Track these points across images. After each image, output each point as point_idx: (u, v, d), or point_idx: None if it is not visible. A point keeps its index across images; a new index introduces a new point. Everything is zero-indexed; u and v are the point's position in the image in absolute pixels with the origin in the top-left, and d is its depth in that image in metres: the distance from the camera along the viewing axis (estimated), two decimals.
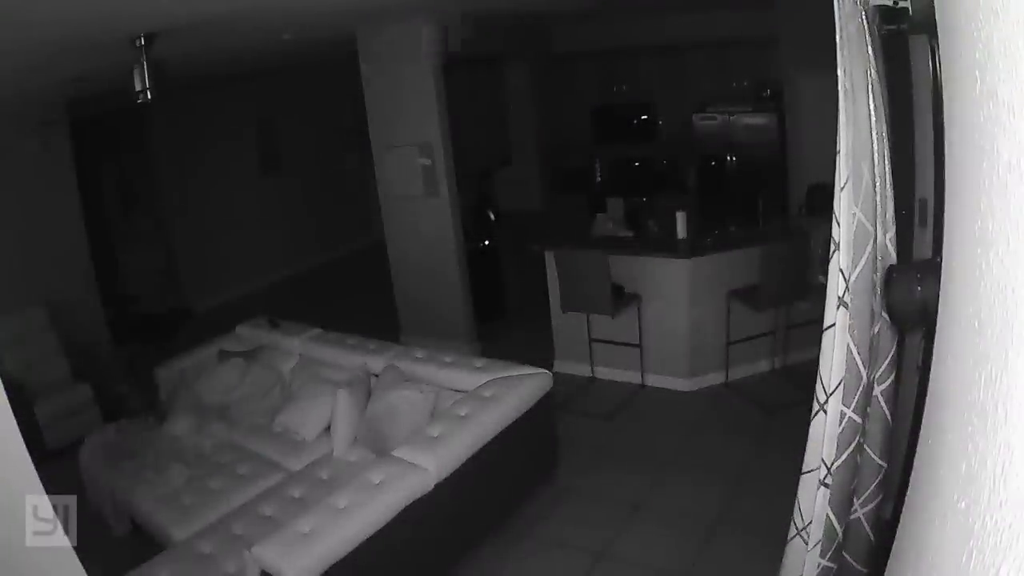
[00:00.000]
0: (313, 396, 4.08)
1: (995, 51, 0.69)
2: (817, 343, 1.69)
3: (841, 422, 1.68)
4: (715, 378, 4.97)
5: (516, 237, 6.09)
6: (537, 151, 7.81)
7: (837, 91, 1.56)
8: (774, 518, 2.25)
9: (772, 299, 4.58)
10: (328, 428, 3.93)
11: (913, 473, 1.09)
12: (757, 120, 6.94)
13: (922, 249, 2.64)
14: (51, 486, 1.21)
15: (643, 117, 7.71)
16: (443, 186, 5.60)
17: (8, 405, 1.11)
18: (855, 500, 1.89)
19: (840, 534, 1.80)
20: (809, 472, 1.77)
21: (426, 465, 3.11)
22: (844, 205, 1.59)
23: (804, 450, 1.78)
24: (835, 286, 1.63)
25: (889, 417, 1.84)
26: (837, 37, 1.54)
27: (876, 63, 1.61)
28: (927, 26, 1.85)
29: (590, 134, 7.95)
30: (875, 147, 1.62)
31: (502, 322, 6.27)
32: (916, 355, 2.44)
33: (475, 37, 6.13)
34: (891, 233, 1.71)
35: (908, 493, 1.12)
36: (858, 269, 1.61)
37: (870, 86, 1.59)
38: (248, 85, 7.90)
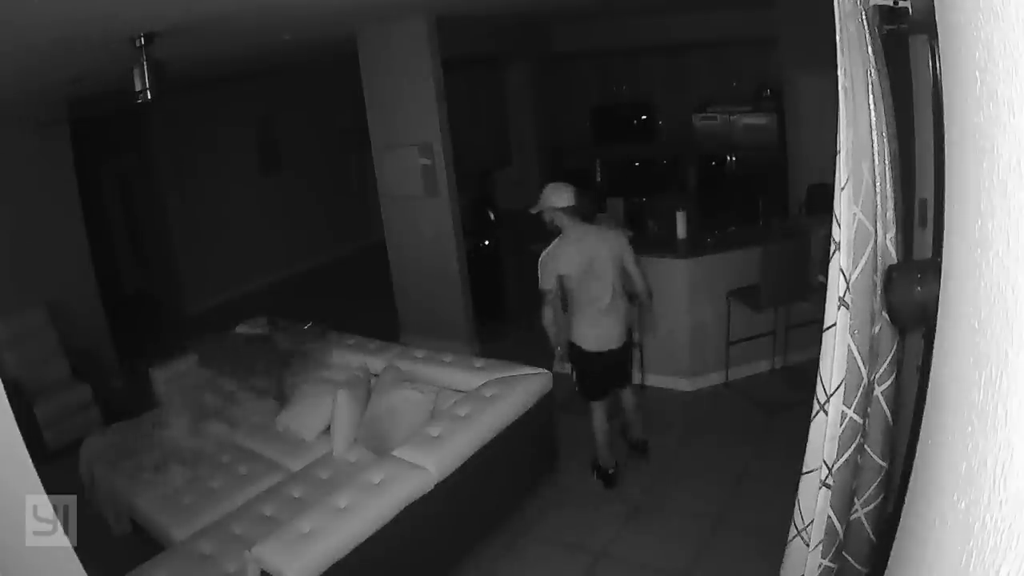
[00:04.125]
0: (313, 396, 4.08)
1: (995, 52, 0.69)
2: (817, 343, 1.69)
3: (842, 422, 1.68)
4: (715, 378, 4.97)
5: (516, 237, 6.09)
6: (537, 151, 7.82)
7: (837, 91, 1.56)
8: (774, 518, 2.25)
9: (772, 299, 4.58)
10: (328, 428, 3.93)
11: (913, 473, 1.09)
12: (757, 120, 6.94)
13: (922, 249, 2.64)
14: (51, 486, 1.21)
15: (643, 117, 7.71)
16: (443, 186, 5.60)
17: (8, 405, 1.11)
18: (856, 500, 1.89)
19: (841, 534, 1.80)
20: (810, 472, 1.77)
21: (426, 465, 3.12)
22: (844, 205, 1.59)
23: (804, 450, 1.78)
24: (835, 286, 1.63)
25: (890, 417, 1.84)
26: (837, 37, 1.54)
27: (876, 63, 1.61)
28: (927, 26, 1.85)
29: (590, 134, 7.95)
30: (875, 147, 1.62)
31: (502, 322, 6.27)
32: (916, 355, 2.44)
33: (475, 37, 6.13)
34: (891, 233, 1.71)
35: (908, 493, 1.12)
36: (858, 269, 1.61)
37: (870, 86, 1.59)
38: (248, 85, 7.90)
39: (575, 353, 3.83)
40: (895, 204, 1.71)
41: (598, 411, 3.92)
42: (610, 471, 3.97)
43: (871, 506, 1.91)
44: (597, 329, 3.74)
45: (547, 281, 3.66)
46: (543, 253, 3.69)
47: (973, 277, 0.77)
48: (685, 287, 4.81)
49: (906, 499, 1.13)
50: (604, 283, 3.67)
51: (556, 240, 3.70)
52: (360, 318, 5.88)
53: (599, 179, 8.09)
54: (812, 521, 1.79)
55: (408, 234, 5.90)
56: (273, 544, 2.71)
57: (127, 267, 8.70)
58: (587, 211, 3.90)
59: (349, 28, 5.47)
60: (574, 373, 3.90)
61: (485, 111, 6.65)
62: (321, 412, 3.98)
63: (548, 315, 3.70)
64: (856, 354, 1.65)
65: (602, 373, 3.88)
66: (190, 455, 3.99)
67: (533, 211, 3.82)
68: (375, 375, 4.06)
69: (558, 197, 3.71)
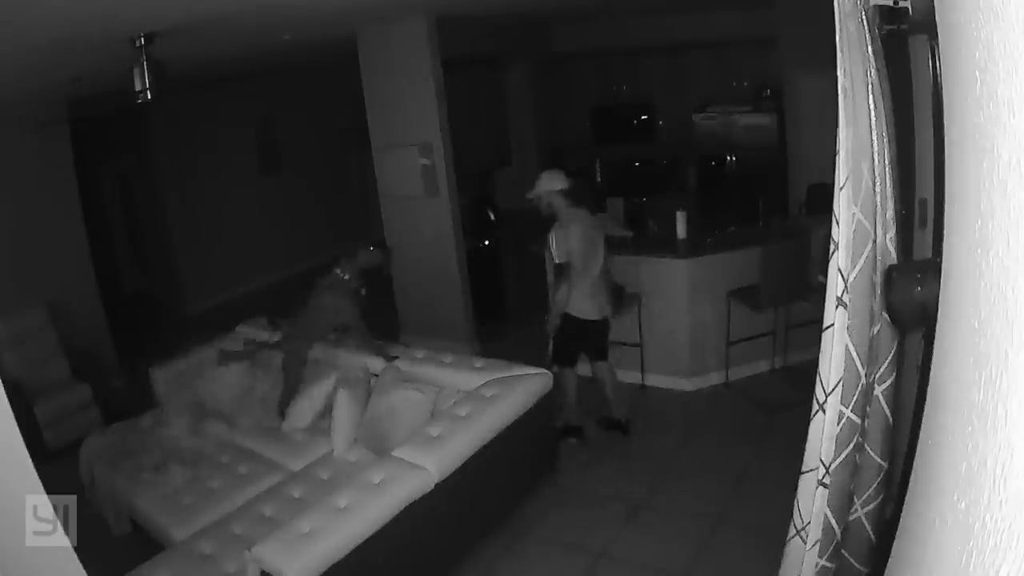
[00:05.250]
0: (310, 382, 4.14)
1: (995, 52, 0.69)
2: (817, 343, 1.69)
3: (839, 422, 1.68)
4: (715, 378, 4.97)
5: (516, 237, 6.09)
6: (537, 151, 7.81)
7: (837, 91, 1.56)
8: (774, 518, 2.25)
9: (772, 299, 4.58)
10: (322, 415, 3.97)
11: (913, 473, 1.09)
12: (757, 120, 6.94)
13: (922, 249, 2.64)
14: (51, 486, 1.21)
15: (643, 117, 7.70)
16: (443, 186, 5.60)
17: (8, 405, 1.11)
18: (856, 500, 1.89)
19: (838, 534, 1.80)
20: (808, 472, 1.77)
21: (426, 465, 3.11)
22: (844, 205, 1.59)
23: (804, 450, 1.78)
24: (834, 286, 1.63)
25: (890, 417, 1.84)
26: (837, 37, 1.54)
27: (876, 63, 1.61)
28: (927, 26, 1.85)
29: (590, 134, 7.95)
30: (875, 147, 1.62)
31: (502, 322, 6.27)
32: (916, 355, 2.44)
33: (475, 37, 6.13)
34: (891, 233, 1.71)
35: (908, 493, 1.12)
36: (857, 269, 1.61)
37: (870, 86, 1.59)
38: (248, 85, 7.90)
39: (570, 324, 4.12)
40: (895, 204, 1.71)
41: (571, 375, 4.28)
42: (582, 427, 4.36)
43: (871, 506, 1.91)
44: (593, 299, 4.11)
45: (563, 255, 3.97)
46: (552, 232, 3.99)
47: (973, 277, 0.77)
48: (685, 287, 4.81)
49: (906, 499, 1.13)
50: (599, 258, 4.09)
51: (557, 222, 4.01)
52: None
53: (599, 179, 8.09)
54: (810, 521, 1.79)
55: (408, 234, 5.90)
56: (273, 544, 2.71)
57: (127, 267, 8.69)
58: (579, 196, 4.22)
59: (349, 28, 5.47)
60: (552, 342, 4.21)
61: (485, 111, 6.65)
62: (315, 397, 4.02)
63: (566, 287, 4.01)
64: (854, 354, 1.65)
65: (585, 342, 4.25)
66: (190, 455, 3.98)
67: (530, 195, 4.12)
68: (375, 375, 4.06)
69: (554, 181, 4.07)
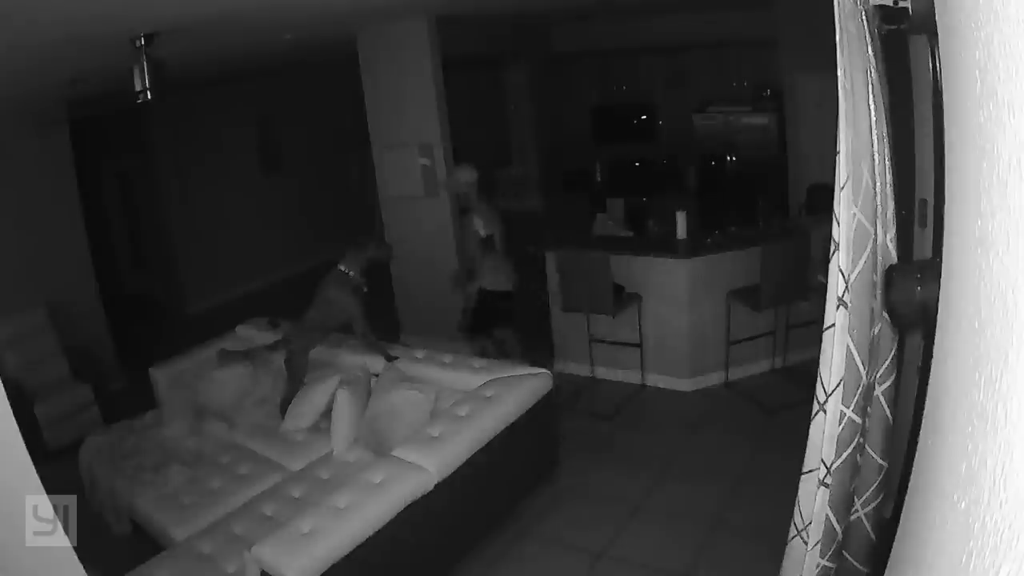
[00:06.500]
0: (312, 382, 4.13)
1: (995, 51, 0.69)
2: (817, 343, 1.69)
3: (840, 422, 1.68)
4: (715, 378, 4.97)
5: (516, 237, 6.09)
6: (537, 151, 7.82)
7: (837, 91, 1.56)
8: (774, 518, 2.25)
9: (772, 299, 4.58)
10: (323, 415, 3.96)
11: (913, 473, 1.09)
12: (757, 120, 6.95)
13: (922, 249, 2.64)
14: (51, 486, 1.21)
15: (643, 117, 7.71)
16: (443, 186, 5.60)
17: (8, 405, 1.11)
18: (856, 500, 1.89)
19: (840, 534, 1.80)
20: (809, 473, 1.77)
21: (426, 465, 3.11)
22: (844, 205, 1.59)
23: (804, 451, 1.78)
24: (835, 286, 1.63)
25: (890, 417, 1.84)
26: (837, 37, 1.54)
27: (876, 63, 1.61)
28: (927, 26, 1.85)
29: (590, 134, 7.96)
30: (875, 147, 1.62)
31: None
32: (916, 355, 2.44)
33: (475, 37, 6.14)
34: (891, 233, 1.71)
35: (908, 493, 1.12)
36: (857, 269, 1.61)
37: (870, 86, 1.59)
38: (248, 85, 7.91)
39: (487, 296, 4.76)
40: (895, 204, 1.71)
41: (487, 344, 4.93)
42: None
43: (871, 506, 1.91)
44: (503, 274, 4.76)
45: (489, 229, 4.63)
46: (472, 215, 4.68)
47: (973, 277, 0.77)
48: (685, 287, 4.81)
49: (906, 499, 1.13)
50: (501, 239, 4.72)
51: (473, 208, 4.70)
52: None
53: (599, 179, 8.10)
54: (811, 521, 1.78)
55: (408, 234, 5.90)
56: (273, 544, 2.71)
57: (127, 267, 8.70)
58: (484, 188, 4.90)
59: (349, 28, 5.47)
60: (472, 314, 4.85)
61: (485, 111, 6.66)
62: (318, 398, 4.01)
63: (491, 259, 4.70)
64: (855, 354, 1.65)
65: (497, 312, 4.83)
66: (190, 455, 3.99)
67: (447, 189, 4.86)
68: (375, 375, 4.06)
69: (469, 175, 4.73)
